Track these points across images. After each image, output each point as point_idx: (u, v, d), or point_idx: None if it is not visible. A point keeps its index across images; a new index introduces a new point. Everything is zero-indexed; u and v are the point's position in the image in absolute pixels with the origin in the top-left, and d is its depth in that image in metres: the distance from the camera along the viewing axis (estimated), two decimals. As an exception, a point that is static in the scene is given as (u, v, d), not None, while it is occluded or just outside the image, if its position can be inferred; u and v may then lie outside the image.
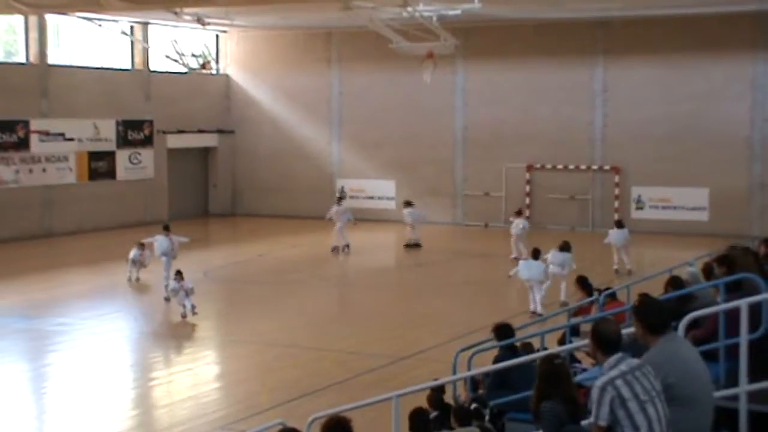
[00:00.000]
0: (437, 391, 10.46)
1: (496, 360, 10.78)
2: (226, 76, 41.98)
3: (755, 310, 8.27)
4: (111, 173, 36.90)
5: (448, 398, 11.02)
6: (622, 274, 24.86)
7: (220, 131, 41.58)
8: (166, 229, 24.39)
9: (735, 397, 7.81)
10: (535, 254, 21.36)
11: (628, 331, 7.51)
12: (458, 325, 19.42)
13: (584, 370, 10.71)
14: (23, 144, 33.53)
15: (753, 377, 7.89)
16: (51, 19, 34.17)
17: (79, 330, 20.19)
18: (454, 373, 11.88)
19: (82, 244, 32.88)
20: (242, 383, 16.45)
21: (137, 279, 24.85)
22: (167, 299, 21.83)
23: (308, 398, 14.71)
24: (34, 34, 34.04)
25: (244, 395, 15.54)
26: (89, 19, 32.62)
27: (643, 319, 6.70)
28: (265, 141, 41.30)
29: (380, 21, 28.15)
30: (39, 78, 34.20)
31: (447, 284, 25.54)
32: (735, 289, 9.83)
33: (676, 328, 7.43)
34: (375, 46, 35.27)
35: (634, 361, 6.22)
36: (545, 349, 11.12)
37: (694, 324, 8.61)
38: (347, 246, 30.32)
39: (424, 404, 10.12)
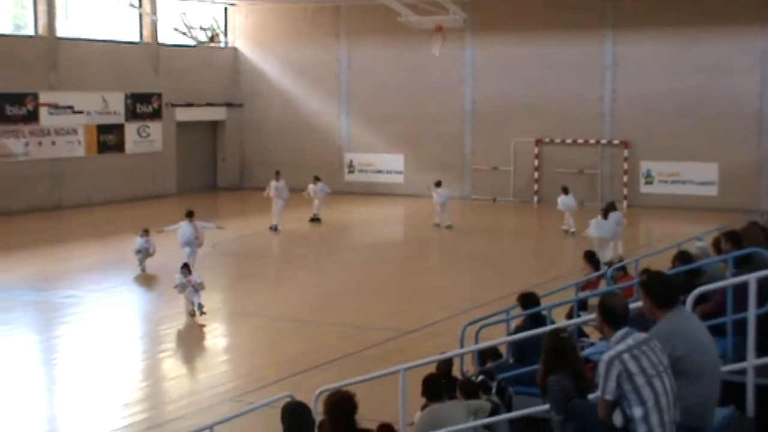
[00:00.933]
0: (445, 364, 10.48)
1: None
2: (235, 49, 41.88)
3: (763, 284, 8.25)
4: (120, 146, 36.94)
5: (455, 372, 11.04)
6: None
7: (228, 105, 41.54)
8: (190, 215, 22.30)
9: (742, 372, 7.82)
10: (605, 214, 22.17)
11: (635, 305, 7.50)
12: (465, 299, 19.44)
13: (592, 344, 10.72)
14: (32, 117, 33.56)
15: (760, 352, 7.90)
16: (59, -9, 34.13)
17: (89, 302, 20.27)
18: (462, 346, 11.90)
19: (91, 217, 32.96)
20: (250, 356, 16.52)
21: (143, 270, 22.53)
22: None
23: (315, 371, 14.77)
24: (42, 7, 33.99)
25: (252, 368, 15.62)
26: (97, -8, 32.55)
27: (652, 293, 6.68)
28: (274, 114, 41.24)
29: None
30: (48, 51, 34.16)
31: (454, 259, 25.55)
32: (743, 264, 9.81)
33: (684, 303, 7.42)
34: (384, 20, 35.16)
35: (641, 335, 6.22)
36: (552, 323, 11.13)
37: (702, 298, 8.61)
38: (276, 227, 29.41)
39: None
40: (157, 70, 38.21)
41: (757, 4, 33.20)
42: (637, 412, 6.00)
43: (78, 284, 22.37)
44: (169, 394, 14.75)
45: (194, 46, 37.24)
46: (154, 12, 37.43)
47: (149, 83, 37.87)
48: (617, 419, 6.11)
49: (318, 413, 7.48)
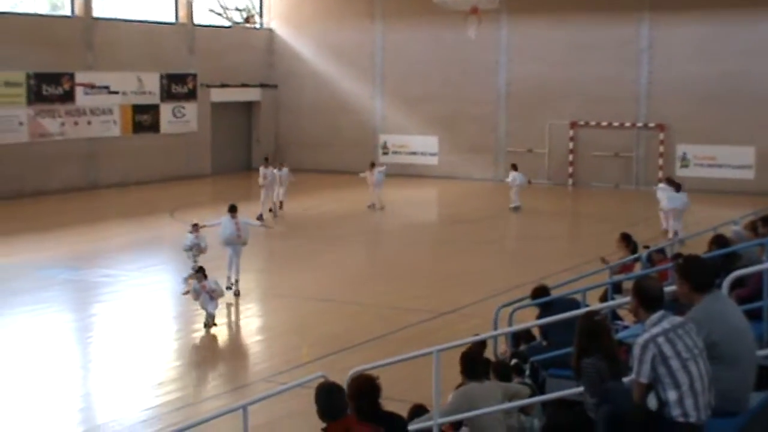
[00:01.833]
0: (478, 346, 10.46)
1: (539, 318, 10.78)
2: (270, 30, 41.91)
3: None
4: (155, 127, 37.13)
5: (488, 354, 11.03)
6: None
7: (263, 85, 41.60)
8: (233, 210, 19.00)
9: (779, 356, 7.74)
10: (678, 187, 24.28)
11: (670, 289, 7.45)
12: (498, 281, 19.40)
13: (625, 327, 10.66)
14: (68, 97, 33.82)
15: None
16: (95, -28, 34.29)
17: (124, 281, 20.45)
18: (495, 328, 11.88)
19: (126, 197, 33.21)
20: (282, 337, 16.59)
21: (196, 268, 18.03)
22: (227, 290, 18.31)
23: (348, 352, 14.81)
24: (79, -13, 34.19)
25: (285, 348, 15.69)
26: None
27: (688, 277, 6.63)
28: (308, 95, 41.26)
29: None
30: (84, 31, 34.37)
31: (487, 241, 25.48)
32: (781, 248, 9.72)
33: (720, 287, 7.36)
34: (418, 1, 35.00)
35: (677, 319, 6.17)
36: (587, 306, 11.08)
37: (738, 283, 8.54)
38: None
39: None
40: (193, 51, 38.33)
41: (798, -14, 32.73)
42: (671, 395, 5.96)
43: (113, 263, 22.57)
44: (203, 374, 14.86)
45: (229, 27, 37.29)
46: (189, -7, 37.53)
47: (184, 64, 38.01)
48: (652, 402, 6.08)
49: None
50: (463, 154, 37.99)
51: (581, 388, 6.80)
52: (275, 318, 18.22)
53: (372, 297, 18.88)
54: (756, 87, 33.33)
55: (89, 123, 34.61)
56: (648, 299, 6.26)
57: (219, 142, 39.75)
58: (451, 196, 34.58)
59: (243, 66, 40.48)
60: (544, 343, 10.78)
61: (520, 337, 11.20)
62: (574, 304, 10.77)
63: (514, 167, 30.74)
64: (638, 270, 13.94)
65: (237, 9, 36.14)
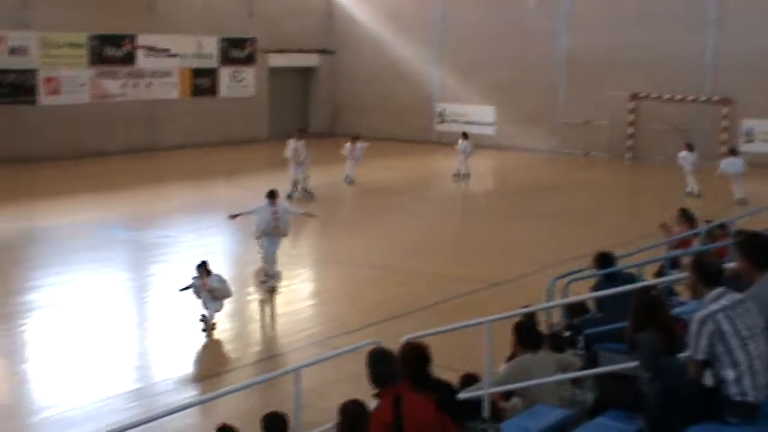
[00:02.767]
0: (529, 318, 10.40)
1: (595, 289, 10.67)
2: (329, -5, 41.83)
3: None
4: (213, 90, 37.35)
5: (541, 326, 10.95)
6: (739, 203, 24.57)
7: (321, 51, 41.56)
8: (272, 196, 16.91)
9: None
10: (734, 152, 26.75)
11: (729, 266, 7.32)
12: (552, 253, 19.22)
13: (682, 303, 10.51)
14: (129, 59, 34.12)
15: None
16: (158, -66, 34.42)
17: (181, 243, 20.67)
18: (549, 300, 11.79)
19: (185, 160, 33.47)
20: (335, 302, 16.66)
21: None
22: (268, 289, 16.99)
23: (399, 320, 14.82)
24: (141, -50, 34.37)
25: (336, 314, 15.75)
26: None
27: (749, 254, 6.50)
28: (366, 62, 41.14)
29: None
30: (146, -7, 34.61)
31: (543, 212, 25.27)
32: None
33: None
34: (480, -32, 34.60)
35: (737, 296, 6.07)
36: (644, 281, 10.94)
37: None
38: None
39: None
40: (252, 15, 38.38)
41: None
42: (729, 374, 5.87)
43: (170, 225, 22.85)
44: (255, 336, 15.01)
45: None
46: (250, -44, 37.53)
47: (243, 28, 38.09)
48: (708, 379, 6.00)
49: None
50: (520, 124, 37.64)
51: (635, 363, 6.73)
52: (327, 283, 18.31)
53: (424, 265, 18.85)
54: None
55: (149, 85, 34.91)
56: (708, 275, 6.16)
57: (276, 107, 39.85)
58: (507, 166, 34.35)
59: (301, 31, 40.45)
60: (599, 314, 10.67)
61: (575, 309, 11.10)
62: (631, 279, 10.64)
63: (465, 136, 30.94)
64: (696, 245, 13.72)
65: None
